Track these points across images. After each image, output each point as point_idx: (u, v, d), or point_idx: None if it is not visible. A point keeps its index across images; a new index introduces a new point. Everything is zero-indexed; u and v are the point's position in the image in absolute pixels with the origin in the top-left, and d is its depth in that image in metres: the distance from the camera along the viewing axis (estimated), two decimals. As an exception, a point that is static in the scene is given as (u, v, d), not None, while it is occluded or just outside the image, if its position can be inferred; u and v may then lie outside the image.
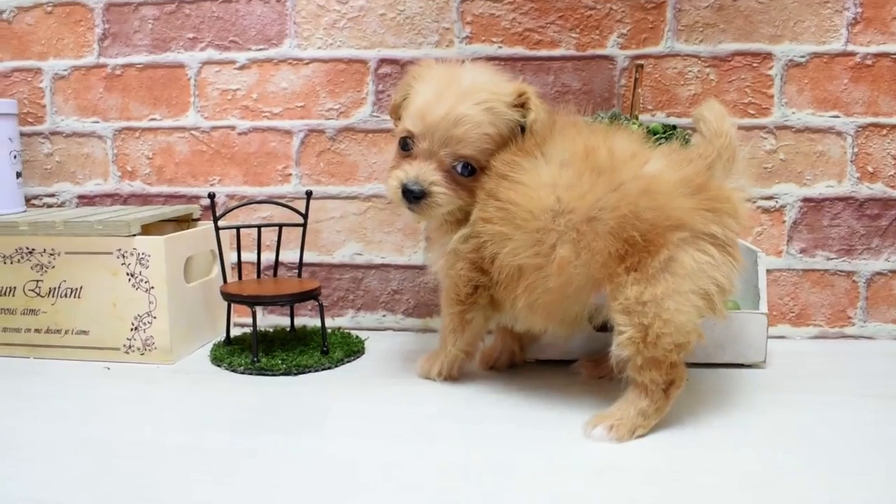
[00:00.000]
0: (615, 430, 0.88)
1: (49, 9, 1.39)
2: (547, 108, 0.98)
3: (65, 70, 1.40)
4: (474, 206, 0.96)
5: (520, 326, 1.03)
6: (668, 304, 0.85)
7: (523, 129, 0.96)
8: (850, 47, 1.25)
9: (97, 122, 1.40)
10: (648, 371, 0.88)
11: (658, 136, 1.13)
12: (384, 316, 1.37)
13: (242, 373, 1.12)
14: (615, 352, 0.89)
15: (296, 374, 1.12)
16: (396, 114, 1.03)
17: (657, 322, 0.85)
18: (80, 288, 1.18)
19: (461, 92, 0.95)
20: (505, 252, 0.92)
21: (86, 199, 1.42)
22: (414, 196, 0.95)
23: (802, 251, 1.29)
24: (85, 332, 1.19)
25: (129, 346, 1.18)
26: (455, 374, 1.08)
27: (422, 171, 0.96)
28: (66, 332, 1.20)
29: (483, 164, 0.96)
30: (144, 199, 1.40)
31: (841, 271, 1.29)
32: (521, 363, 1.15)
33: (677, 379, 0.89)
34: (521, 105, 0.96)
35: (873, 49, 1.25)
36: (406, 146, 0.98)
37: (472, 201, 0.97)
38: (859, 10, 1.24)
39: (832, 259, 1.29)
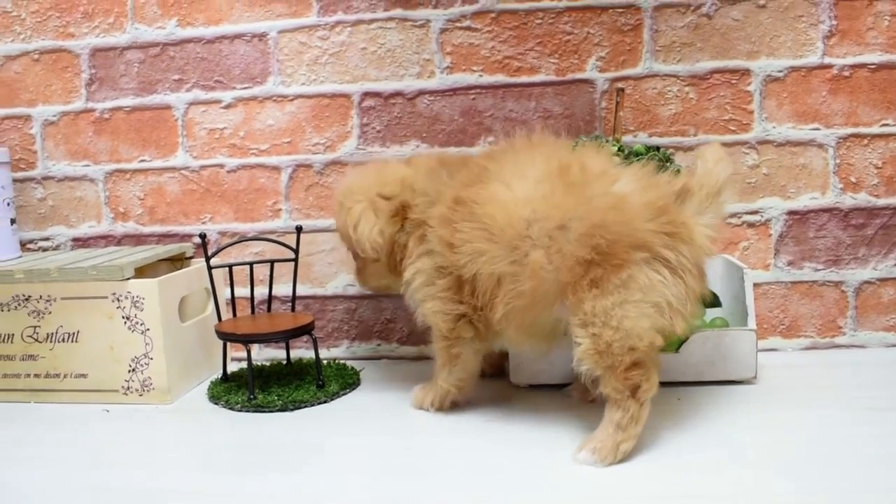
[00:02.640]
0: (598, 452, 0.90)
1: (36, 56, 1.41)
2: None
3: (54, 116, 1.42)
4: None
5: (501, 344, 1.07)
6: (617, 311, 0.89)
7: None
8: (827, 60, 1.27)
9: (88, 165, 1.42)
10: (610, 380, 0.91)
11: (640, 156, 1.15)
12: (379, 345, 1.39)
13: (240, 410, 1.14)
14: (576, 366, 0.93)
15: (292, 410, 1.13)
16: None
17: (607, 330, 0.89)
18: (77, 332, 1.20)
19: None
20: (483, 263, 0.96)
21: (80, 242, 1.44)
22: None
23: (790, 263, 1.30)
24: (83, 376, 1.20)
25: (128, 388, 1.19)
26: (448, 407, 1.10)
27: None
28: (65, 376, 1.21)
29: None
30: (138, 240, 1.42)
31: (829, 282, 1.30)
32: (490, 376, 1.21)
33: (643, 382, 0.91)
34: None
35: (850, 60, 1.27)
36: None
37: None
38: (834, 22, 1.26)
39: (820, 270, 1.30)
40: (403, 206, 1.08)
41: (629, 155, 1.14)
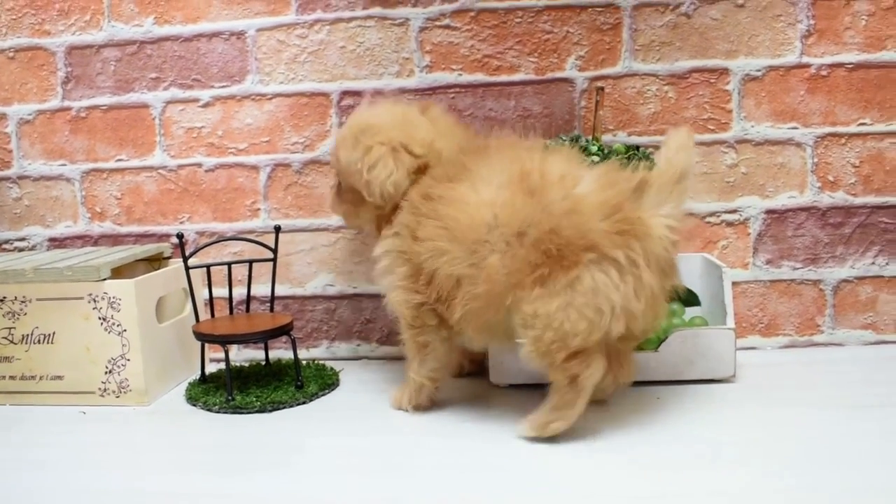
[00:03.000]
0: (529, 423, 0.96)
1: (11, 54, 1.39)
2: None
3: (30, 114, 1.40)
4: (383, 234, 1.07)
5: (465, 342, 1.08)
6: (558, 315, 0.91)
7: None
8: (805, 59, 1.27)
9: (64, 164, 1.40)
10: (551, 372, 0.95)
11: (621, 156, 1.15)
12: (358, 345, 1.38)
13: (218, 412, 1.13)
14: (525, 365, 0.96)
15: (271, 411, 1.12)
16: None
17: (548, 332, 0.91)
18: (53, 333, 1.18)
19: None
20: (443, 262, 0.98)
21: (56, 242, 1.43)
22: None
23: (768, 262, 1.31)
24: (60, 378, 1.19)
25: (105, 390, 1.18)
26: (425, 403, 1.09)
27: None
28: (41, 377, 1.20)
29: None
30: (115, 240, 1.41)
31: (807, 280, 1.31)
32: (474, 373, 1.22)
33: (582, 370, 0.93)
34: None
35: (828, 60, 1.27)
36: None
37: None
38: (812, 22, 1.26)
39: (798, 269, 1.31)
40: (423, 168, 1.06)
41: (609, 154, 1.14)
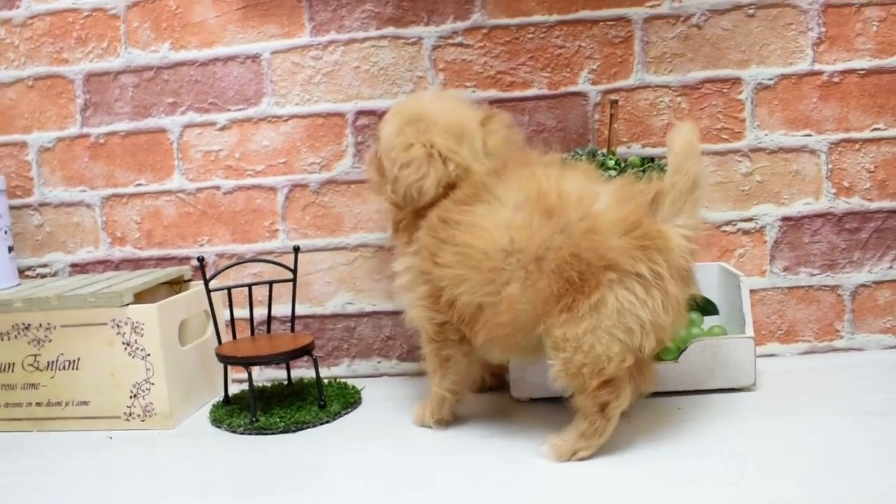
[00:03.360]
0: (556, 449, 0.96)
1: (30, 83, 1.41)
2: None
3: (49, 142, 1.42)
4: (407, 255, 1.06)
5: (489, 359, 1.08)
6: (587, 338, 0.91)
7: None
8: (817, 66, 1.28)
9: (84, 190, 1.42)
10: (579, 397, 0.94)
11: (636, 168, 1.15)
12: (379, 363, 1.39)
13: (242, 433, 1.14)
14: (551, 384, 0.95)
15: (295, 431, 1.13)
16: None
17: (577, 355, 0.91)
18: (78, 359, 1.20)
19: None
20: (462, 292, 0.97)
21: (78, 268, 1.44)
22: None
23: (786, 269, 1.31)
24: (85, 403, 1.21)
25: (130, 414, 1.19)
26: (447, 417, 1.10)
27: None
28: (67, 403, 1.21)
29: None
30: (136, 264, 1.42)
31: (825, 286, 1.31)
32: (495, 388, 1.22)
33: (612, 400, 0.93)
34: None
35: (840, 66, 1.28)
36: None
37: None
38: (823, 29, 1.27)
39: (816, 275, 1.31)
40: (451, 185, 1.04)
41: (625, 167, 1.15)
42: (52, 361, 1.21)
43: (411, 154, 1.03)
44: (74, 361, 1.20)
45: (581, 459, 0.94)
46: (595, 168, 1.05)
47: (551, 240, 0.92)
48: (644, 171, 1.15)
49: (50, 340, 1.20)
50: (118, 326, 1.17)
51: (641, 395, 1.05)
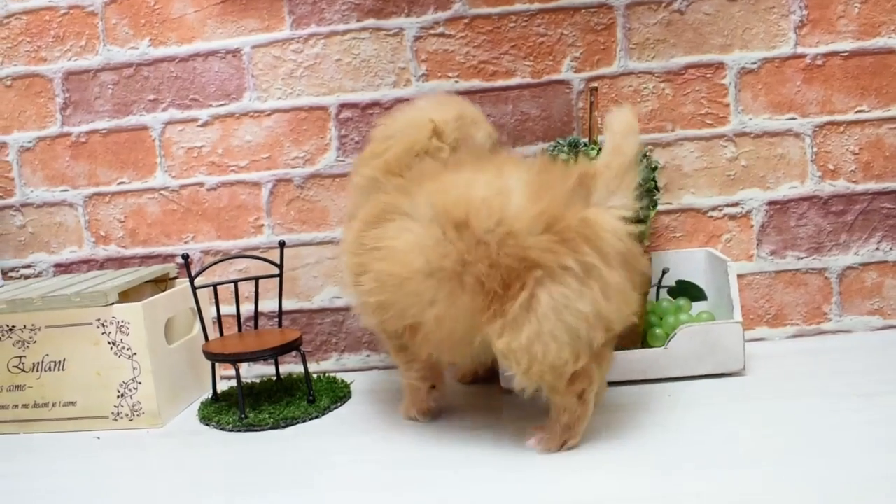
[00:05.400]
0: (544, 442, 0.95)
1: (8, 83, 1.40)
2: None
3: (30, 142, 1.41)
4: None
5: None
6: (535, 348, 0.88)
7: None
8: (800, 49, 1.28)
9: (67, 190, 1.41)
10: (555, 397, 0.93)
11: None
12: (368, 356, 1.38)
13: (231, 430, 1.13)
14: (516, 387, 0.94)
15: (284, 427, 1.13)
16: None
17: (534, 366, 0.89)
18: (64, 360, 1.19)
19: None
20: (390, 316, 0.96)
21: (62, 268, 1.43)
22: None
23: (773, 253, 1.31)
24: (72, 404, 1.20)
25: (117, 414, 1.18)
26: (429, 406, 1.09)
27: None
28: (54, 404, 1.20)
29: None
30: (120, 263, 1.41)
31: (812, 269, 1.31)
32: (489, 377, 1.20)
33: (585, 386, 0.93)
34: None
35: (822, 49, 1.27)
36: None
37: None
38: (805, 12, 1.27)
39: (802, 258, 1.31)
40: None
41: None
42: (38, 363, 1.20)
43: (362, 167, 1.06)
44: (60, 362, 1.19)
45: (571, 448, 0.94)
46: (510, 156, 1.03)
47: (467, 253, 0.89)
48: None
49: (35, 342, 1.19)
50: (103, 326, 1.16)
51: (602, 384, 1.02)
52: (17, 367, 1.21)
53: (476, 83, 1.31)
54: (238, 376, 1.15)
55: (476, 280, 0.89)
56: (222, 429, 1.14)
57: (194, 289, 1.21)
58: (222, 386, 1.28)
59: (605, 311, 0.88)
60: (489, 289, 0.88)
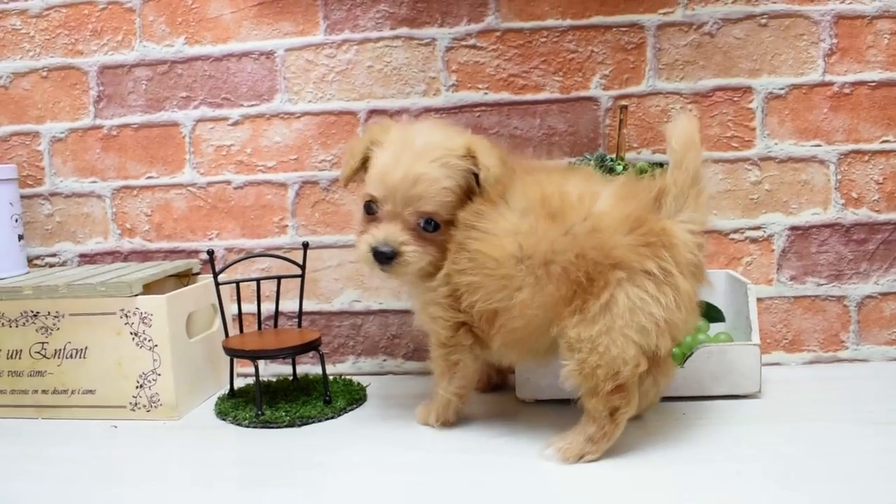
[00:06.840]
0: (562, 452, 0.95)
1: (45, 73, 1.42)
2: (501, 156, 1.01)
3: (62, 133, 1.43)
4: (444, 259, 1.01)
5: (503, 362, 1.09)
6: (602, 340, 0.91)
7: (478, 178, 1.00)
8: (828, 77, 1.28)
9: (95, 181, 1.43)
10: (590, 399, 0.94)
11: (645, 174, 1.16)
12: (384, 360, 1.39)
13: (247, 426, 1.14)
14: (561, 382, 0.95)
15: (300, 426, 1.13)
16: (350, 179, 1.08)
17: (592, 356, 0.91)
18: (86, 348, 1.20)
19: (416, 152, 0.99)
20: (478, 299, 0.98)
21: (87, 258, 1.45)
22: (385, 257, 1.00)
23: (792, 278, 1.31)
24: (91, 392, 1.21)
25: (135, 404, 1.20)
26: (451, 418, 1.10)
27: (389, 233, 1.00)
28: (73, 392, 1.21)
29: (446, 218, 1.00)
30: (145, 256, 1.43)
31: (831, 296, 1.31)
32: (500, 385, 1.24)
33: (622, 405, 0.94)
34: (472, 157, 1.00)
35: (850, 78, 1.28)
36: (370, 210, 1.03)
37: (441, 255, 1.01)
38: (834, 40, 1.28)
39: (822, 285, 1.31)
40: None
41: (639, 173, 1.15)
42: (60, 349, 1.21)
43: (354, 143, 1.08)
44: (82, 350, 1.20)
45: (587, 462, 0.94)
46: (596, 171, 1.06)
47: (557, 243, 0.92)
48: (644, 172, 1.15)
49: (58, 329, 1.21)
50: (127, 316, 1.18)
51: (661, 389, 1.05)
52: (39, 352, 1.22)
53: (505, 96, 1.32)
54: (257, 373, 1.16)
55: (563, 270, 0.91)
56: (238, 424, 1.15)
57: (217, 285, 1.22)
58: (239, 383, 1.29)
59: (674, 319, 0.91)
60: (575, 278, 0.91)
